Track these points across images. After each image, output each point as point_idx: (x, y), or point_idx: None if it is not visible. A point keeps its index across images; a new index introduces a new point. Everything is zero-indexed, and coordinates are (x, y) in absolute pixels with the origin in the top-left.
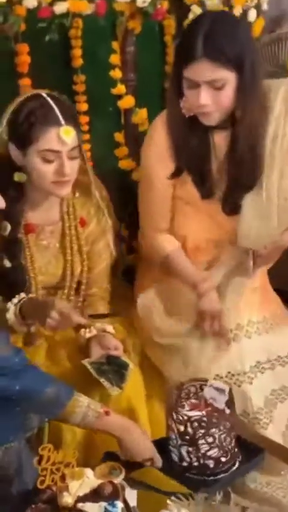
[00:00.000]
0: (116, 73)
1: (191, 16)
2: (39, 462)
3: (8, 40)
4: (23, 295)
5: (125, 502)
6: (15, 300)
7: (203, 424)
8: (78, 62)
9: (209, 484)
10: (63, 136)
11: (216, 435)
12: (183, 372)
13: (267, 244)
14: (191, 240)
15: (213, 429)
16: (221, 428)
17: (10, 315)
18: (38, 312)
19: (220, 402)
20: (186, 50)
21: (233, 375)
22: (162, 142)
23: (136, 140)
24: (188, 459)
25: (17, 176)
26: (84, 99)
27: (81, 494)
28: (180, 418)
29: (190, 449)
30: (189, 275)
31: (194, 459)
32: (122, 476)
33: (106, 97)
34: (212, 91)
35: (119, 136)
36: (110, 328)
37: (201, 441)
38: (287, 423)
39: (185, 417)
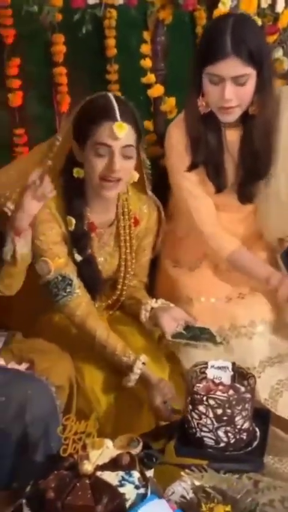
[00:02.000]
0: (147, 63)
1: (221, 7)
2: (63, 431)
3: (44, 30)
4: None
5: (141, 472)
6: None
7: (238, 400)
8: (112, 51)
9: (250, 454)
10: (115, 131)
11: (249, 408)
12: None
13: None
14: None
15: (247, 404)
16: (249, 398)
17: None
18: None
19: (226, 378)
20: (214, 47)
21: None
22: (184, 147)
23: (164, 128)
24: (225, 439)
25: (76, 172)
26: (117, 88)
27: (100, 463)
28: (218, 402)
29: (228, 428)
30: (260, 270)
31: (232, 436)
32: (140, 447)
33: (137, 86)
34: (234, 87)
35: (148, 124)
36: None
37: (237, 418)
38: None
39: (224, 399)
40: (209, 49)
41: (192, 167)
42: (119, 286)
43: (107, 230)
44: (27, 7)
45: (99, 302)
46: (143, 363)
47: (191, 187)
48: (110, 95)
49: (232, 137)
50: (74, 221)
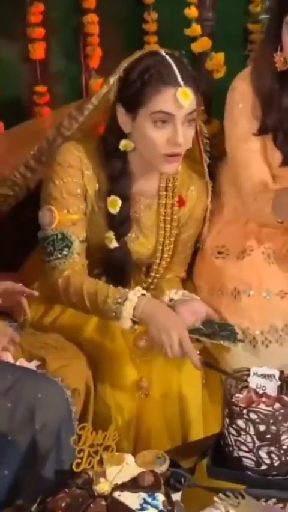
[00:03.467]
0: (192, 11)
1: None
2: (77, 443)
3: None
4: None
5: (167, 494)
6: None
7: (285, 416)
8: None
9: None
10: (180, 98)
11: None
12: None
13: None
14: (253, 223)
15: None
16: None
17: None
18: None
19: (272, 388)
20: None
21: None
22: (247, 102)
23: (209, 88)
24: (268, 461)
25: (124, 145)
26: (154, 40)
27: (119, 481)
28: (261, 416)
29: (272, 448)
30: None
31: (276, 458)
32: (166, 465)
33: (179, 39)
34: None
35: None
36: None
37: (284, 437)
38: None
39: (268, 414)
40: None
41: (262, 131)
42: (152, 274)
43: (145, 201)
44: None
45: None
46: (142, 295)
47: (250, 151)
48: (164, 53)
49: None
50: (120, 202)
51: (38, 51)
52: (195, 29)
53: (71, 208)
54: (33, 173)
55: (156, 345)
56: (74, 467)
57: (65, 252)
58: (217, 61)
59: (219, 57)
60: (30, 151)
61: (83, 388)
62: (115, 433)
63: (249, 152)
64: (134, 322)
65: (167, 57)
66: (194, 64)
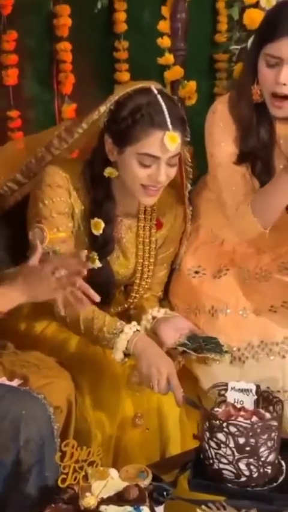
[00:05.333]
0: (165, 41)
1: None
2: (62, 459)
3: (46, 1)
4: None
5: (151, 507)
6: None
7: (263, 429)
8: (122, 27)
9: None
10: (167, 143)
11: (275, 437)
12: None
13: None
14: (229, 244)
15: (273, 432)
16: (275, 426)
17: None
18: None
19: (249, 402)
20: (276, 25)
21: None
22: (227, 124)
23: None
24: (247, 472)
25: (109, 172)
26: (125, 67)
27: (104, 496)
28: (241, 429)
29: (251, 460)
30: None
31: (254, 470)
32: (149, 479)
33: (150, 67)
34: None
35: None
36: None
37: (262, 449)
38: None
39: (247, 427)
40: (271, 27)
41: (240, 159)
42: (132, 294)
43: (127, 222)
44: None
45: (107, 310)
46: (137, 330)
47: (233, 169)
48: (154, 89)
49: (284, 131)
50: (103, 225)
51: (11, 77)
52: (168, 58)
53: (60, 226)
54: (21, 186)
55: (144, 379)
56: (59, 482)
57: None
58: (190, 89)
59: (192, 85)
60: (12, 170)
61: (65, 405)
62: (99, 449)
63: (232, 170)
64: (125, 355)
65: (159, 97)
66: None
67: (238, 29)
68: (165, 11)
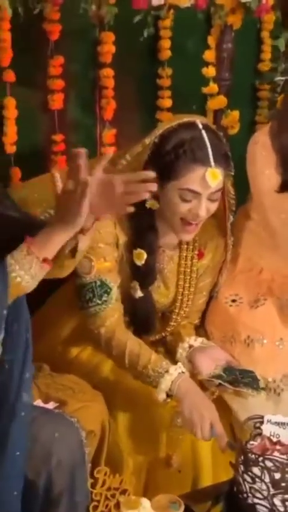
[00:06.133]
0: (210, 71)
1: None
2: (94, 486)
3: (92, 27)
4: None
5: None
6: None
7: None
8: (166, 54)
9: None
10: (208, 179)
11: None
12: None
13: None
14: (268, 273)
15: None
16: None
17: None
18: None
19: (286, 436)
20: None
21: None
22: (269, 153)
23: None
24: (282, 508)
25: (150, 204)
26: (168, 94)
27: None
28: (277, 464)
29: (286, 496)
30: None
31: None
32: (181, 510)
33: (193, 95)
34: None
35: None
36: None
37: None
38: None
39: (283, 462)
40: None
41: (283, 188)
42: (171, 323)
43: (169, 253)
44: (85, 5)
45: (147, 338)
46: (182, 372)
47: (280, 196)
48: (199, 124)
49: None
50: (145, 255)
51: (56, 102)
52: (213, 87)
53: (107, 256)
54: None
55: (186, 424)
56: (91, 510)
57: (104, 298)
58: (232, 118)
59: (235, 114)
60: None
61: (99, 430)
62: (131, 477)
63: (279, 197)
64: (168, 395)
65: (203, 132)
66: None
67: (284, 60)
68: (211, 40)
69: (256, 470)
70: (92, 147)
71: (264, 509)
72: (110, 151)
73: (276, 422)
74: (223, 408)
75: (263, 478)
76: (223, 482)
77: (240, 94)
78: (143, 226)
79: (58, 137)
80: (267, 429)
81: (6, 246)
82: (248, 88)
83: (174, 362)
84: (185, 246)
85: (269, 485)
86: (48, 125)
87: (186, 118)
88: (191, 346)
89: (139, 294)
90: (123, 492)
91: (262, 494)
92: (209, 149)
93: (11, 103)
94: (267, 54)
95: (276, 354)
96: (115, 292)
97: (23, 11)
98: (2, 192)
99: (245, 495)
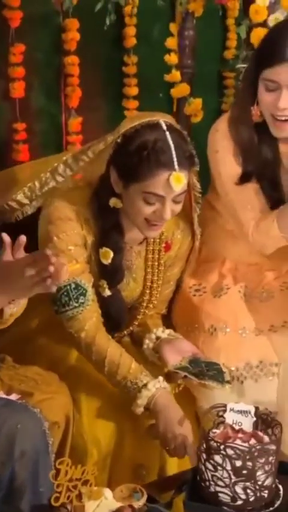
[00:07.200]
0: (172, 58)
1: (258, 1)
2: (56, 477)
3: (55, 14)
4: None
5: None
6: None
7: (261, 452)
8: (131, 41)
9: None
10: (172, 183)
11: (273, 461)
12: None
13: None
14: (231, 262)
15: (271, 456)
16: (273, 450)
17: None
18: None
19: (247, 424)
20: (275, 49)
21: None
22: (230, 143)
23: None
24: (244, 496)
25: (113, 203)
26: (134, 83)
27: None
28: (238, 452)
29: (248, 483)
30: None
31: (251, 494)
32: (144, 500)
33: (158, 83)
34: None
35: None
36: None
37: (259, 473)
38: None
39: (244, 450)
40: (269, 52)
41: (243, 179)
42: (139, 316)
43: (136, 248)
44: None
45: (117, 334)
46: (163, 388)
47: (245, 188)
48: (163, 125)
49: (286, 150)
50: (112, 254)
51: (17, 90)
52: (175, 75)
53: (78, 258)
54: (22, 207)
55: (160, 440)
56: (52, 501)
57: (81, 300)
58: (195, 106)
59: (198, 102)
60: (15, 191)
61: (63, 421)
62: (94, 468)
63: (245, 188)
64: (145, 409)
65: (167, 134)
66: (172, 107)
67: (245, 48)
68: (173, 27)
69: (218, 458)
70: (57, 136)
71: (227, 497)
72: (76, 140)
73: (238, 411)
74: (188, 396)
75: (224, 465)
76: (186, 470)
77: (204, 82)
78: (107, 225)
79: (20, 125)
80: (229, 417)
81: None
82: (213, 75)
83: (141, 351)
84: (152, 240)
85: (231, 473)
86: (9, 113)
87: (149, 117)
88: (158, 338)
89: (107, 293)
90: (85, 483)
91: (224, 482)
92: (173, 152)
93: None
94: (232, 42)
95: (239, 342)
96: (91, 293)
97: None
98: None
99: (207, 483)
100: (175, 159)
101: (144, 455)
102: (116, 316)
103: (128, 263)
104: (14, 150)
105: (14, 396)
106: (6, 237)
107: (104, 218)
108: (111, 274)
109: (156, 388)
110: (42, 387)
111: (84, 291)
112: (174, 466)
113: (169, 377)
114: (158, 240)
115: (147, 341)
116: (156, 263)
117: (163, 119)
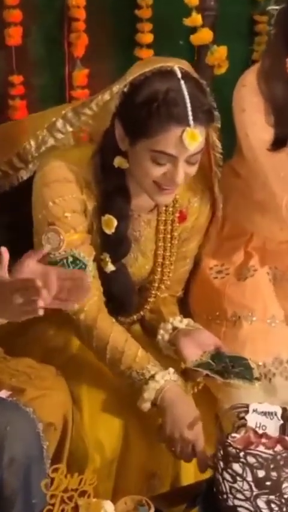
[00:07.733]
0: None
1: None
2: (49, 486)
3: None
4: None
5: None
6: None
7: (287, 461)
8: None
9: None
10: (186, 141)
11: None
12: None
13: None
14: (259, 239)
15: None
16: None
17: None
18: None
19: (273, 428)
20: None
21: None
22: (261, 100)
23: (209, 85)
24: (267, 511)
25: (118, 162)
26: (149, 28)
27: None
28: (261, 460)
29: (272, 496)
30: None
31: (276, 509)
32: None
33: (176, 28)
34: None
35: None
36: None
37: (285, 484)
38: None
39: (268, 457)
40: None
41: (277, 144)
42: (150, 299)
43: (145, 217)
44: None
45: (123, 320)
46: (173, 381)
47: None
48: (178, 72)
49: None
50: (115, 222)
51: (14, 37)
52: (196, 19)
53: (77, 227)
54: (16, 171)
55: (166, 441)
56: None
57: None
58: (219, 55)
59: (222, 51)
60: (7, 152)
61: (60, 422)
62: (93, 476)
63: (278, 153)
64: (153, 404)
65: (182, 83)
66: (192, 57)
67: None
68: None
69: (237, 467)
70: (59, 90)
71: None
72: (81, 95)
73: (262, 412)
74: (208, 397)
75: (244, 476)
76: (200, 481)
77: (230, 27)
78: (111, 188)
79: (16, 78)
80: (252, 419)
81: None
82: (241, 19)
83: (154, 343)
84: (164, 208)
85: (252, 484)
86: (4, 64)
87: (162, 63)
88: (174, 328)
89: (111, 267)
90: (83, 494)
91: (244, 495)
92: (188, 105)
93: None
94: None
95: (267, 333)
96: (91, 269)
97: None
98: None
99: (224, 496)
100: (190, 113)
101: (156, 461)
102: (120, 296)
103: (136, 234)
104: (10, 107)
105: (3, 393)
106: (5, 253)
107: (108, 180)
108: (114, 245)
109: (165, 380)
110: (35, 383)
111: (83, 266)
112: (190, 475)
113: (187, 374)
114: (171, 209)
115: (162, 332)
116: (168, 235)
117: (178, 66)
